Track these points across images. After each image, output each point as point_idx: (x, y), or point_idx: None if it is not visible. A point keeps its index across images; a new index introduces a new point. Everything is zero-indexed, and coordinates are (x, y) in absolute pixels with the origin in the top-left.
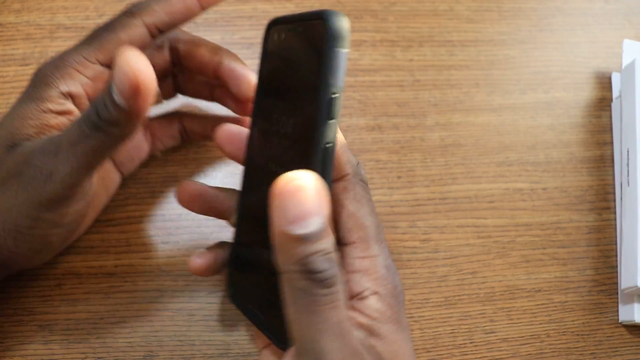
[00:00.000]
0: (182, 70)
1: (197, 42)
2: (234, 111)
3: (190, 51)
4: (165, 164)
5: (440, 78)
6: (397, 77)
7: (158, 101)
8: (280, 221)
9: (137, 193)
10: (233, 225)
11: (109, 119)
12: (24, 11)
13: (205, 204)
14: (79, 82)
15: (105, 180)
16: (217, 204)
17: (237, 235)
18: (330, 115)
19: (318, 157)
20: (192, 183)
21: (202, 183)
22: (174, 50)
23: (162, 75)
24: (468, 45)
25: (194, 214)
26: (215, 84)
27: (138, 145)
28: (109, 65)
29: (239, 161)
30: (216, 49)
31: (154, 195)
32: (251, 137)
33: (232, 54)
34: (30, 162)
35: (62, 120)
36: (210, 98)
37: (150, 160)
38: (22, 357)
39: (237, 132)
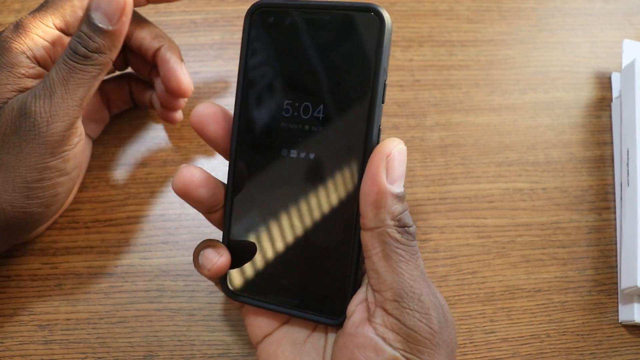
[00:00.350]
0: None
1: (142, 25)
2: (161, 96)
3: (133, 32)
4: (165, 164)
5: (440, 78)
6: (397, 77)
7: (110, 71)
8: (383, 180)
9: (137, 193)
10: (215, 221)
11: (96, 47)
12: (24, 11)
13: (210, 190)
14: (41, 47)
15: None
16: (217, 194)
17: (233, 229)
18: (383, 99)
19: (376, 137)
20: (196, 168)
21: (200, 167)
22: None
23: None
24: (468, 45)
25: (194, 213)
26: (153, 65)
27: (98, 109)
28: (63, 30)
29: (216, 146)
30: (158, 36)
31: (154, 195)
32: (242, 126)
33: (172, 45)
34: (27, 112)
35: (38, 83)
36: (148, 77)
37: (151, 160)
38: (22, 357)
39: (221, 112)
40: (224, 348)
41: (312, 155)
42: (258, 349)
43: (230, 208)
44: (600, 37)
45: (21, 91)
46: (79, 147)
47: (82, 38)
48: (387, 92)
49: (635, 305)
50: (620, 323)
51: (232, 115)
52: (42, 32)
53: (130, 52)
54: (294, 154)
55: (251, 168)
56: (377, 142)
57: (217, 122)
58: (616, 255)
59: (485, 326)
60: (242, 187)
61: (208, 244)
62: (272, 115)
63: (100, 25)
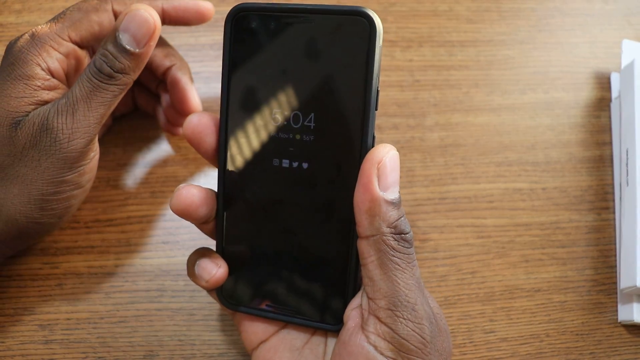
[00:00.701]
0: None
1: None
2: (167, 111)
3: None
4: (165, 164)
5: (439, 78)
6: (396, 77)
7: None
8: (375, 188)
9: (137, 193)
10: (207, 231)
11: (122, 68)
12: (25, 11)
13: (209, 206)
14: (55, 59)
15: None
16: (214, 208)
17: (226, 238)
18: (376, 107)
19: (370, 145)
20: (194, 187)
21: (197, 185)
22: None
23: None
24: (467, 45)
25: None
26: (161, 80)
27: None
28: (78, 43)
29: (212, 157)
30: (170, 54)
31: (154, 195)
32: (230, 136)
33: (183, 64)
34: (48, 127)
35: (53, 94)
36: (155, 90)
37: (151, 160)
38: (23, 357)
39: (214, 122)
40: (224, 348)
41: (304, 165)
42: (253, 356)
43: (223, 218)
44: (600, 37)
45: (38, 104)
46: (94, 161)
47: (108, 58)
48: (387, 93)
49: (635, 305)
50: (620, 323)
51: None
52: (57, 44)
53: (138, 90)
54: (285, 163)
55: (242, 178)
56: None
57: (213, 132)
58: (615, 255)
59: (484, 326)
60: (234, 197)
61: (203, 253)
62: (260, 125)
63: (128, 47)
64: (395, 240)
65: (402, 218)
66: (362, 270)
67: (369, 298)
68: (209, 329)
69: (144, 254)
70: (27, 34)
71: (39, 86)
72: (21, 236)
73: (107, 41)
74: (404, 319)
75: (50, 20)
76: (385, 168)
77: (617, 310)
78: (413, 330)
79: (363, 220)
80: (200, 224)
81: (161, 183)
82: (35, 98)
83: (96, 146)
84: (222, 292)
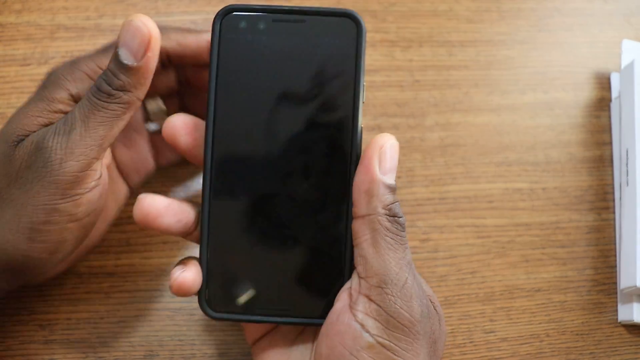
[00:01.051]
0: (188, 88)
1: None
2: None
3: (179, 44)
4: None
5: (439, 78)
6: (396, 77)
7: (163, 119)
8: (376, 169)
9: (137, 193)
10: (195, 239)
11: (121, 85)
12: (25, 11)
13: (173, 217)
14: (87, 87)
15: (113, 189)
16: (184, 219)
17: (210, 244)
18: (363, 99)
19: (359, 137)
20: (155, 197)
21: (160, 195)
22: (177, 68)
23: (167, 93)
24: (467, 45)
25: None
26: None
27: (143, 157)
28: None
29: (190, 156)
30: (200, 32)
31: None
32: (217, 133)
33: None
34: (43, 146)
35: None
36: None
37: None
38: (22, 357)
39: (193, 123)
40: (224, 348)
41: (294, 162)
42: (253, 348)
43: (207, 220)
44: (600, 37)
45: (47, 126)
46: (95, 192)
47: (108, 75)
48: (387, 93)
49: (635, 305)
50: (620, 323)
51: (204, 124)
52: (93, 73)
53: (189, 95)
54: (274, 161)
55: (229, 179)
56: (360, 142)
57: (188, 133)
58: (616, 255)
59: (484, 326)
60: (218, 201)
61: (180, 261)
62: (247, 124)
63: (125, 62)
64: (390, 222)
65: (397, 203)
66: (355, 250)
67: (360, 278)
68: (209, 329)
69: (144, 254)
70: (69, 61)
71: (59, 109)
72: (10, 270)
73: (111, 58)
74: (393, 296)
75: (98, 49)
76: (385, 153)
77: (617, 310)
78: (401, 308)
79: (361, 200)
80: (182, 236)
81: (161, 183)
82: (48, 120)
83: (99, 175)
84: (204, 300)
